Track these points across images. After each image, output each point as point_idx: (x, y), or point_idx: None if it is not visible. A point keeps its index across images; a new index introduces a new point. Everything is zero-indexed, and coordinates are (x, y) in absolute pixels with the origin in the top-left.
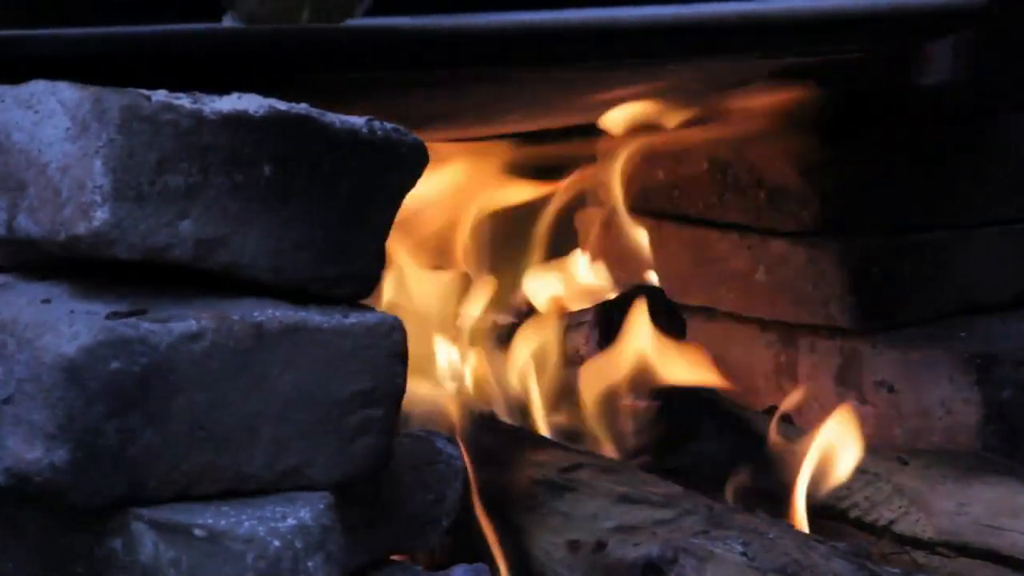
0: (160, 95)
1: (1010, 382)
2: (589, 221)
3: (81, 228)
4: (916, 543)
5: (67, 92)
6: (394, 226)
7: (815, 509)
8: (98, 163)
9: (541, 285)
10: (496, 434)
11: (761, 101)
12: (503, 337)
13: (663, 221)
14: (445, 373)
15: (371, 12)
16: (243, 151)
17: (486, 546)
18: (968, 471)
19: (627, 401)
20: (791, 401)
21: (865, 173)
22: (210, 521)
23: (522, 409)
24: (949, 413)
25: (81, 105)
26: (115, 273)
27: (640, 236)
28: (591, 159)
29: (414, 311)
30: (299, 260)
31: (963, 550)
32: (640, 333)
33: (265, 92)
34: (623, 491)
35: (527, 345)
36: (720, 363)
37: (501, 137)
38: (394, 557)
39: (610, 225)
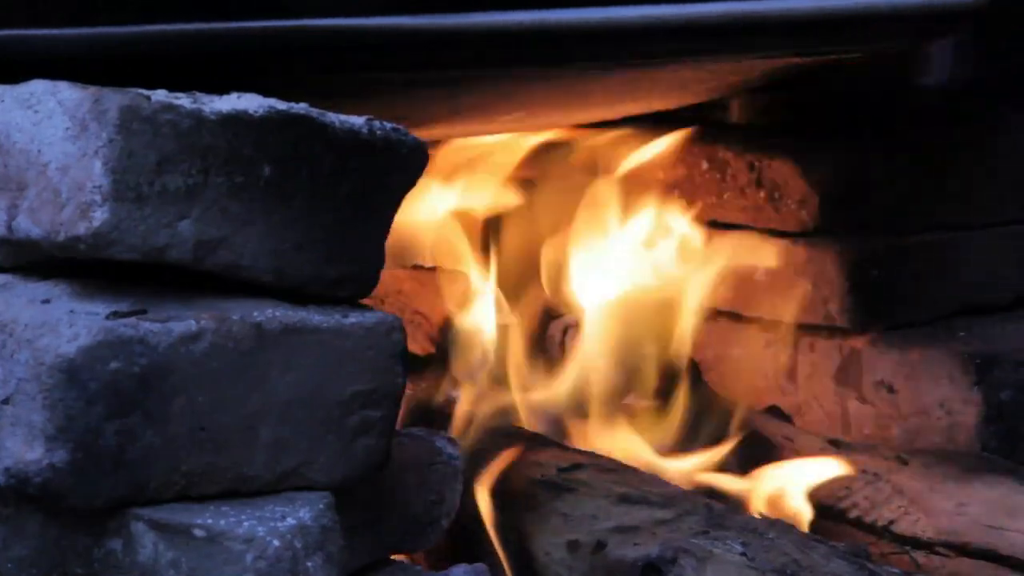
0: (160, 95)
1: (1010, 382)
2: None
3: (81, 228)
4: (916, 543)
5: (67, 92)
6: None
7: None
8: (98, 163)
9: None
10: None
11: None
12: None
13: None
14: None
15: (372, 12)
16: (243, 151)
17: (486, 546)
18: (967, 471)
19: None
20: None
21: (865, 173)
22: (210, 521)
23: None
24: (948, 413)
25: (81, 105)
26: (115, 273)
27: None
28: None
29: None
30: (299, 260)
31: (963, 550)
32: None
33: (265, 92)
34: (623, 491)
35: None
36: (720, 363)
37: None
38: (394, 557)
39: None
